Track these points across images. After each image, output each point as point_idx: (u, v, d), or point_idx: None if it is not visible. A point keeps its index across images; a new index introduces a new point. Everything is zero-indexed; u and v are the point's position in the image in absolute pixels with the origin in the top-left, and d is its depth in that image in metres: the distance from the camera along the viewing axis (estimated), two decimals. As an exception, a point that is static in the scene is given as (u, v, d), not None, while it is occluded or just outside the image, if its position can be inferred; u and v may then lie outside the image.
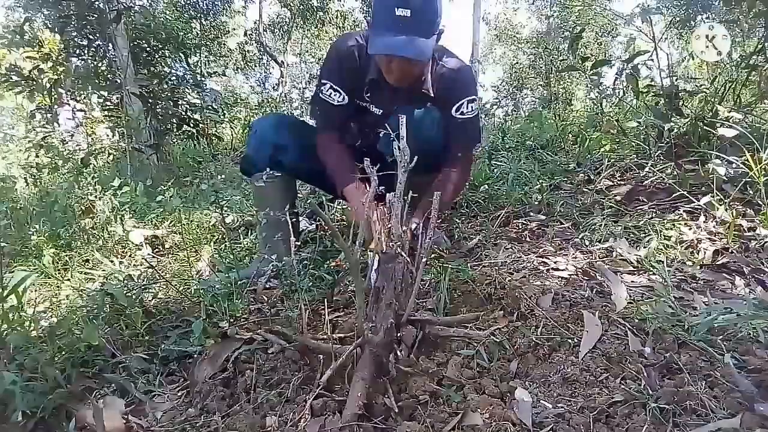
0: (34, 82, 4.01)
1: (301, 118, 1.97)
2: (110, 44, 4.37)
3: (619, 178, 2.14)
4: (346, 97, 1.54)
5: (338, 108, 1.55)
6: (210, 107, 5.17)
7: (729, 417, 0.77)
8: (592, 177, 2.17)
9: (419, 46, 1.32)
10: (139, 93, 4.08)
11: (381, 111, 1.59)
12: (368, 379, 0.87)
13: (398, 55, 1.34)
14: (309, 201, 2.00)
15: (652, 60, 2.10)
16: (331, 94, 1.53)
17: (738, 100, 2.13)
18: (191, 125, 4.69)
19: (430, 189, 1.32)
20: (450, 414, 0.85)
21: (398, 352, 0.96)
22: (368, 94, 1.58)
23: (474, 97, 1.54)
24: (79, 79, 4.13)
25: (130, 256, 1.98)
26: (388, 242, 1.18)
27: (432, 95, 1.53)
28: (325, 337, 1.10)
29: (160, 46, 5.05)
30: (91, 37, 4.51)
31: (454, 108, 1.52)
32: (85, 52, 4.65)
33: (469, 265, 1.48)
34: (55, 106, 4.17)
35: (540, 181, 2.16)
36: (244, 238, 2.01)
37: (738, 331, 0.99)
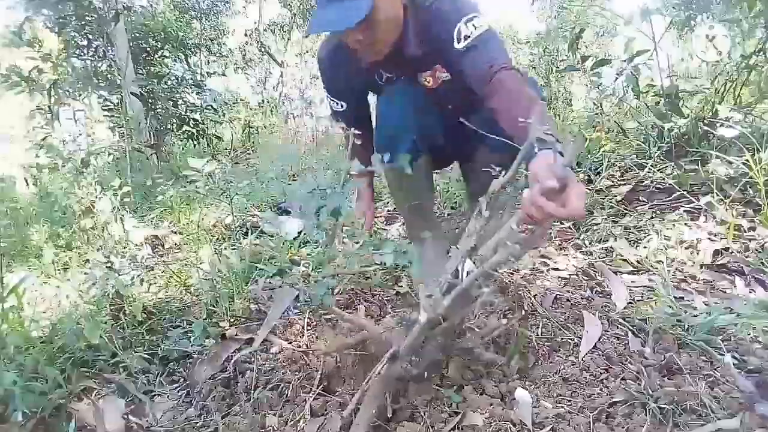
0: (34, 82, 4.01)
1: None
2: (110, 44, 4.37)
3: (619, 178, 2.13)
4: (344, 105, 1.49)
5: (346, 113, 1.51)
6: (210, 107, 5.17)
7: (729, 417, 0.78)
8: (592, 177, 2.17)
9: (340, 14, 1.11)
10: (139, 93, 4.08)
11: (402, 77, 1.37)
12: (380, 398, 0.83)
13: (319, 32, 1.21)
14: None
15: (652, 60, 2.10)
16: (333, 105, 1.52)
17: (738, 100, 2.12)
18: (191, 125, 4.69)
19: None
20: (450, 414, 0.85)
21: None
22: (381, 77, 1.41)
23: (473, 14, 1.15)
24: (79, 79, 4.13)
25: (130, 256, 1.98)
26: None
27: (419, 55, 1.26)
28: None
29: (159, 46, 5.06)
30: (90, 37, 4.52)
31: (455, 40, 1.15)
32: (85, 52, 4.66)
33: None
34: (55, 107, 4.17)
35: (540, 181, 2.15)
36: (243, 238, 2.01)
37: (738, 331, 1.00)
